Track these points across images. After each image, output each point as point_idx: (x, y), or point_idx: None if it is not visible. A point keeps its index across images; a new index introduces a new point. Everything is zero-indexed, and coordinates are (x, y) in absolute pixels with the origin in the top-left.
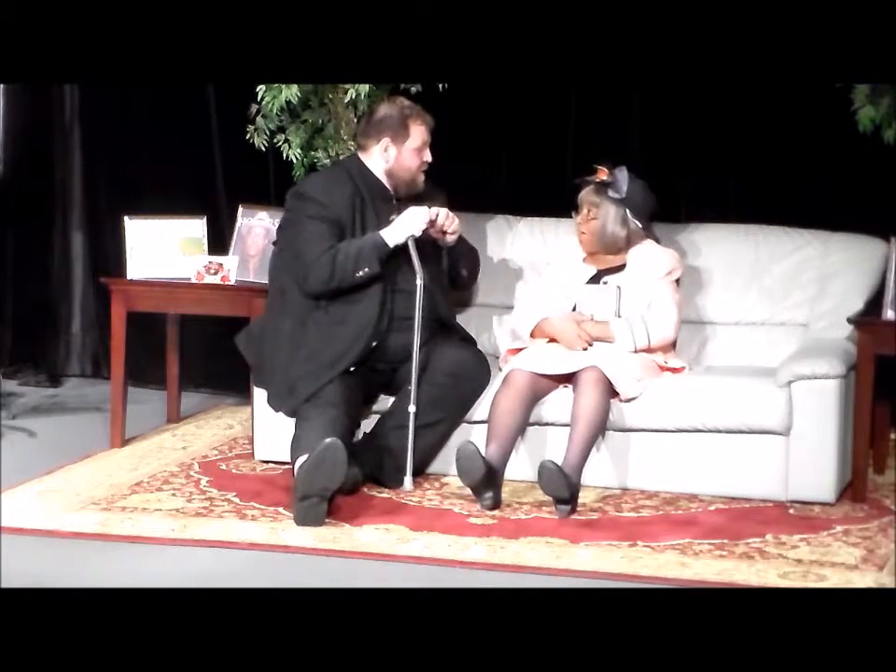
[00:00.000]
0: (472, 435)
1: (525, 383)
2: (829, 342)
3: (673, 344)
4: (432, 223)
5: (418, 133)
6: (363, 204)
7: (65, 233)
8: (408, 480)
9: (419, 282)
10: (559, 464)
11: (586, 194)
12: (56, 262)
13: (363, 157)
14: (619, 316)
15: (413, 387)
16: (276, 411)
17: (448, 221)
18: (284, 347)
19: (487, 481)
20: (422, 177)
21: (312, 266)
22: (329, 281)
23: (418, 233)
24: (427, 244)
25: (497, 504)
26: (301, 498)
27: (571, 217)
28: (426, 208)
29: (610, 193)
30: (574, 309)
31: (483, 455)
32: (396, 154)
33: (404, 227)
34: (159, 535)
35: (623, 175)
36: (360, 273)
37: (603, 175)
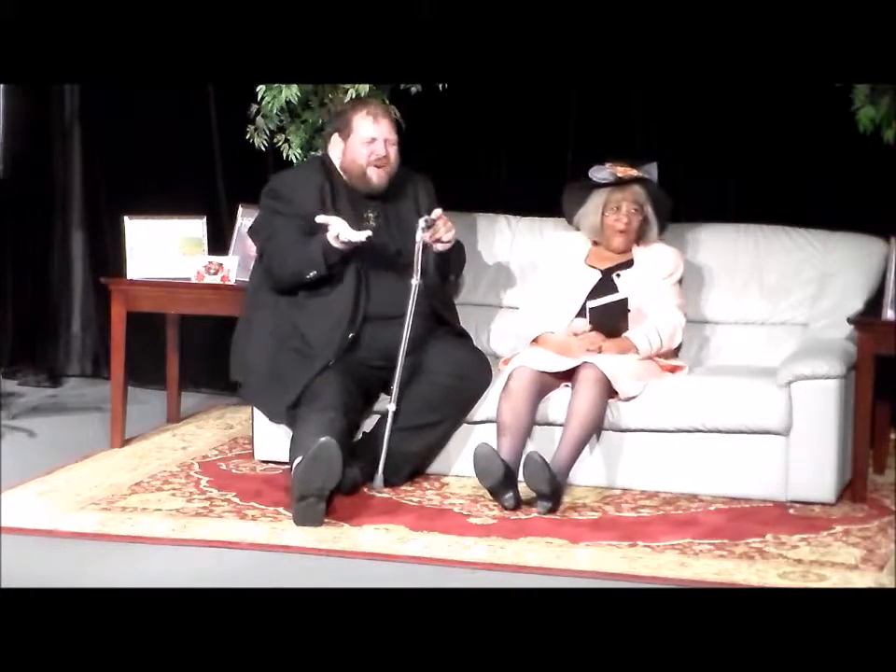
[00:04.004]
0: (473, 435)
1: (530, 380)
2: (829, 341)
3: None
4: (431, 226)
5: (362, 125)
6: (334, 194)
7: (65, 233)
8: (379, 478)
9: (414, 282)
10: (545, 459)
11: (630, 193)
12: (56, 262)
13: (329, 154)
14: (628, 311)
15: (395, 386)
16: (267, 414)
17: (445, 230)
18: (265, 345)
19: (506, 481)
20: (376, 174)
21: (270, 264)
22: (282, 281)
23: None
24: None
25: (518, 503)
26: (298, 499)
27: (602, 218)
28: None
29: (650, 188)
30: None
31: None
32: (343, 148)
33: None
34: (159, 535)
35: (655, 170)
36: (309, 275)
37: (635, 170)
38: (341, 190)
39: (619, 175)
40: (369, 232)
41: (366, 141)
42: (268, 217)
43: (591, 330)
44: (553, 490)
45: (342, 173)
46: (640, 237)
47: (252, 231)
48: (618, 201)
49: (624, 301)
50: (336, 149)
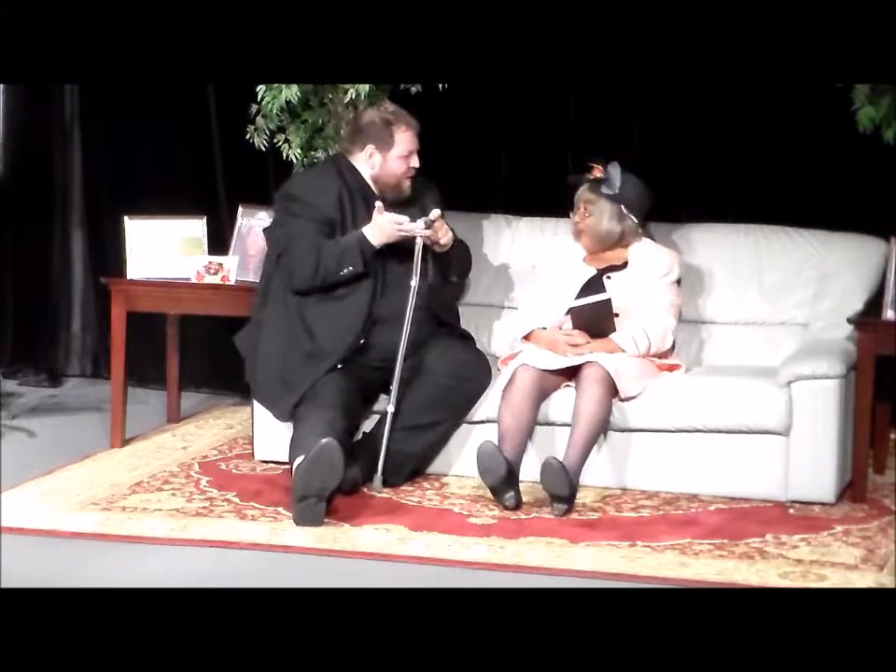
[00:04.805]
0: (473, 435)
1: (532, 380)
2: (829, 342)
3: (671, 347)
4: (430, 227)
5: (403, 140)
6: (352, 199)
7: (65, 233)
8: (378, 478)
9: (413, 283)
10: (563, 463)
11: (582, 192)
12: (56, 262)
13: (350, 159)
14: (616, 315)
15: (394, 387)
16: (275, 415)
17: (442, 233)
18: (275, 346)
19: (508, 480)
20: (408, 183)
21: (297, 263)
22: (312, 278)
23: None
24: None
25: (519, 503)
26: (298, 499)
27: (570, 217)
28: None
29: (604, 189)
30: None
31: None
32: (381, 161)
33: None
34: (159, 535)
35: (616, 171)
36: (344, 271)
37: (597, 172)
38: (357, 195)
39: (585, 176)
40: (428, 232)
41: (405, 155)
42: (287, 219)
43: (574, 329)
44: (570, 493)
45: (369, 181)
46: (621, 239)
47: (268, 233)
48: (576, 201)
49: (608, 303)
50: (372, 161)
